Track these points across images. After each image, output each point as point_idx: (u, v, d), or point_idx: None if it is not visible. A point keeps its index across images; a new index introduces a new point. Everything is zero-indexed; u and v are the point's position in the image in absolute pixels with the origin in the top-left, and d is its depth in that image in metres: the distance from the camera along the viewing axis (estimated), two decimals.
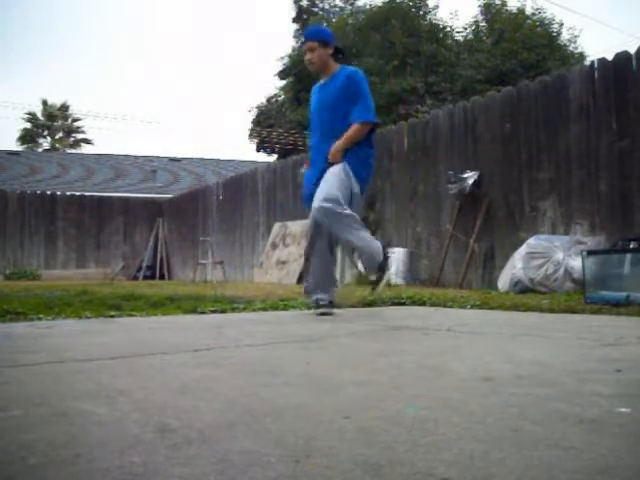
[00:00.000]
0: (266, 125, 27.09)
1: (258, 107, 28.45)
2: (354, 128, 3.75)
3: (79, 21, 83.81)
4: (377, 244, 3.77)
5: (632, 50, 5.70)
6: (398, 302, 4.75)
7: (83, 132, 42.69)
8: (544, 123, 6.41)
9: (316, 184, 3.75)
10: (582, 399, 1.33)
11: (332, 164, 3.74)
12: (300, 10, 29.92)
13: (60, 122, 42.06)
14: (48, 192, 16.17)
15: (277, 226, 11.06)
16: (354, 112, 3.78)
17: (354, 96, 3.79)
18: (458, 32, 26.03)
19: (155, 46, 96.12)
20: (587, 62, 9.65)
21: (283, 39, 78.35)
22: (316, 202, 3.62)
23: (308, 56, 3.91)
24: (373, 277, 3.80)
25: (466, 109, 7.41)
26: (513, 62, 21.72)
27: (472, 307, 4.25)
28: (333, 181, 3.67)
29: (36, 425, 1.15)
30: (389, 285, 3.70)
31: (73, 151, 38.86)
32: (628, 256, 4.10)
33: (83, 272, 14.58)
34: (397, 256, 7.89)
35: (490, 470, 0.88)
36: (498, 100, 7.03)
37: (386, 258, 3.79)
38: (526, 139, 6.59)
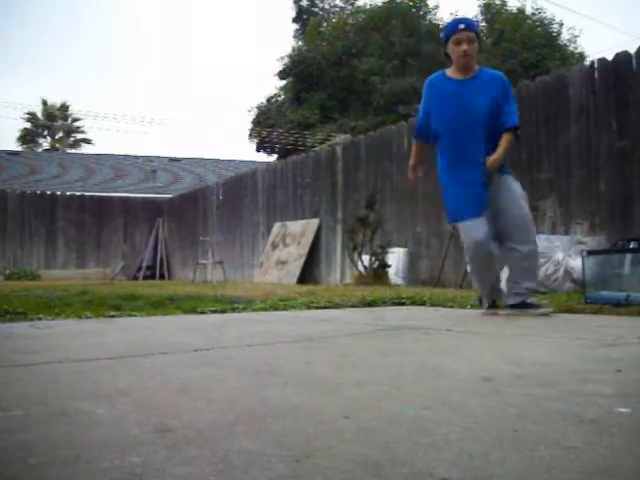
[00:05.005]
0: (266, 125, 27.08)
1: (258, 107, 28.44)
2: (508, 137, 3.63)
3: (79, 21, 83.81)
4: None
5: (632, 50, 5.70)
6: (398, 302, 4.75)
7: (83, 132, 42.66)
8: (544, 123, 6.41)
9: (482, 187, 3.61)
10: (582, 399, 1.33)
11: (491, 173, 3.64)
12: (300, 10, 29.92)
13: (60, 122, 42.03)
14: (48, 192, 16.17)
15: (277, 226, 11.06)
16: (509, 117, 3.64)
17: (507, 101, 3.65)
18: None
19: (155, 46, 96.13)
20: (587, 62, 9.65)
21: (283, 39, 78.43)
22: (533, 244, 3.63)
23: (465, 47, 3.56)
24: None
25: None
26: (513, 62, 21.72)
27: (472, 307, 4.25)
28: (522, 199, 3.69)
29: (36, 425, 1.15)
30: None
31: (73, 151, 38.82)
32: (628, 256, 4.10)
33: (83, 272, 14.57)
34: (397, 256, 7.89)
35: (490, 470, 0.88)
36: None
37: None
38: (526, 139, 6.59)
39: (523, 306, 3.56)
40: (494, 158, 3.58)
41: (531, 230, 3.67)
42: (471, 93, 3.62)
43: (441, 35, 3.84)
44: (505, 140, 3.62)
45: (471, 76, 3.66)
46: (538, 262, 3.84)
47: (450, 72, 3.72)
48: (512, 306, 3.62)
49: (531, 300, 3.61)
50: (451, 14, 42.44)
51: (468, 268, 3.94)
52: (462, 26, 3.59)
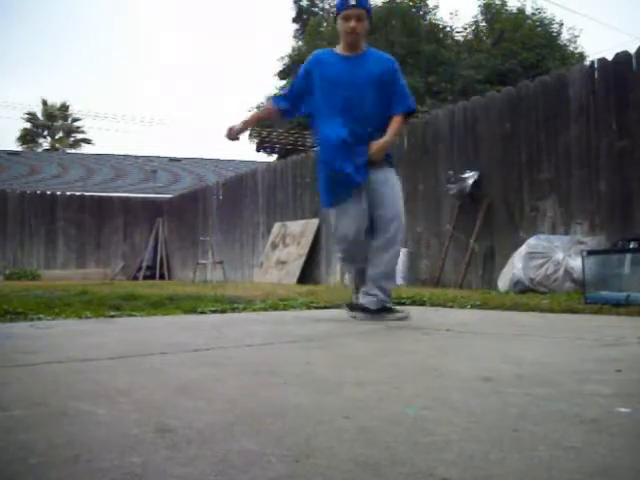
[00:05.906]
0: (266, 125, 27.09)
1: (258, 107, 28.45)
2: (399, 120, 3.46)
3: (79, 21, 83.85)
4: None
5: (632, 50, 5.70)
6: (398, 302, 4.75)
7: (83, 132, 42.66)
8: (544, 123, 6.41)
9: (355, 169, 3.38)
10: (582, 399, 1.33)
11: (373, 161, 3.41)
12: (300, 10, 29.92)
13: (60, 122, 42.03)
14: (48, 192, 16.15)
15: (277, 226, 11.06)
16: (401, 101, 3.47)
17: (393, 83, 3.46)
18: (458, 32, 26.04)
19: (155, 46, 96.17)
20: (587, 62, 9.65)
21: (283, 39, 78.50)
22: (396, 222, 3.43)
23: (353, 24, 3.36)
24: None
25: (466, 109, 7.41)
26: (513, 62, 21.73)
27: (472, 307, 4.25)
28: (399, 199, 3.50)
29: (36, 425, 1.15)
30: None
31: (73, 151, 38.80)
32: (628, 256, 4.10)
33: (83, 272, 14.57)
34: None
35: (490, 470, 0.88)
36: (498, 100, 7.03)
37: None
38: (526, 139, 6.59)
39: (383, 310, 3.39)
40: (383, 141, 3.40)
41: (400, 232, 3.50)
42: (354, 70, 3.43)
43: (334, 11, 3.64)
44: (395, 122, 3.45)
45: (357, 54, 3.48)
46: (396, 265, 3.71)
47: (338, 49, 3.55)
48: (367, 309, 3.43)
49: (389, 304, 3.46)
50: (451, 14, 42.60)
51: (340, 255, 3.74)
52: (352, 2, 3.38)
